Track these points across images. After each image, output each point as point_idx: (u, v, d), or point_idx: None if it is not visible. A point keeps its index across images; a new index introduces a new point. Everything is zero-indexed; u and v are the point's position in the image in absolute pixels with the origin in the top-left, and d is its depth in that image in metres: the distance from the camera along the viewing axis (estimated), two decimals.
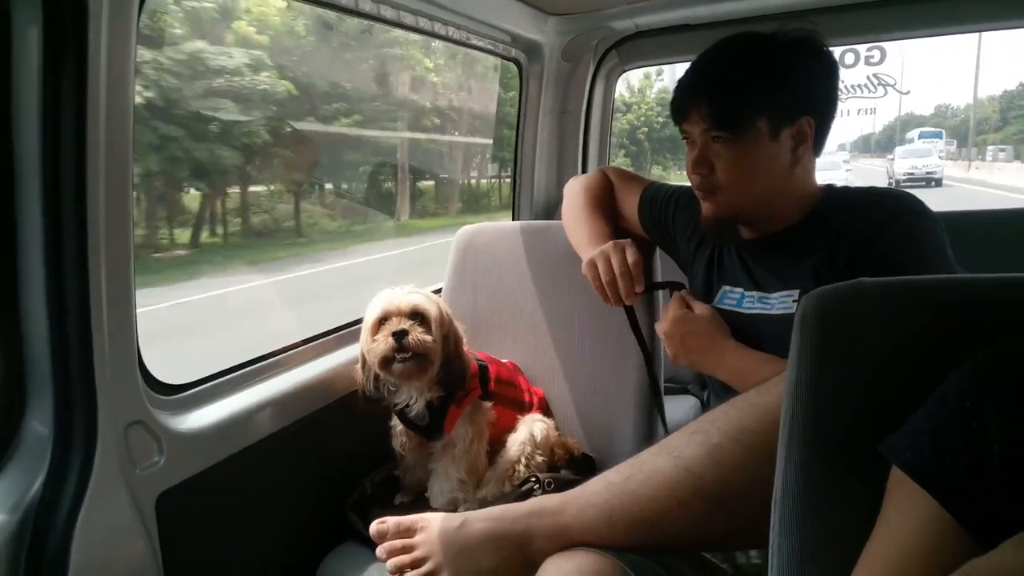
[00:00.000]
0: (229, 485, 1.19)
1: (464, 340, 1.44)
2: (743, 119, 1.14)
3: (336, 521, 1.42)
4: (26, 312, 0.93)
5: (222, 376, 1.27)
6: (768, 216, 1.24)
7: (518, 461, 1.44)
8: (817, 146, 1.22)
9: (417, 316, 1.36)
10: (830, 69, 1.20)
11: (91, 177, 0.92)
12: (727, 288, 1.31)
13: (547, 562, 0.96)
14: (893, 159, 19.47)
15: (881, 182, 15.24)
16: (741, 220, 1.25)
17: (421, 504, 1.46)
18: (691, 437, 0.93)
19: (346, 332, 1.65)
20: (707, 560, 1.04)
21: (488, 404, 1.47)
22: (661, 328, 1.32)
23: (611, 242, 1.38)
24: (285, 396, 1.36)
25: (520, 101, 2.29)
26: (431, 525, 1.02)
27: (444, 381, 1.39)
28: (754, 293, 1.26)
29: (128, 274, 1.01)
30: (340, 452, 1.51)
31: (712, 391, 1.39)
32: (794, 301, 1.17)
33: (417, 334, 1.34)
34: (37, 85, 0.88)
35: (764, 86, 1.15)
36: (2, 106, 0.88)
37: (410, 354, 1.33)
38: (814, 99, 1.19)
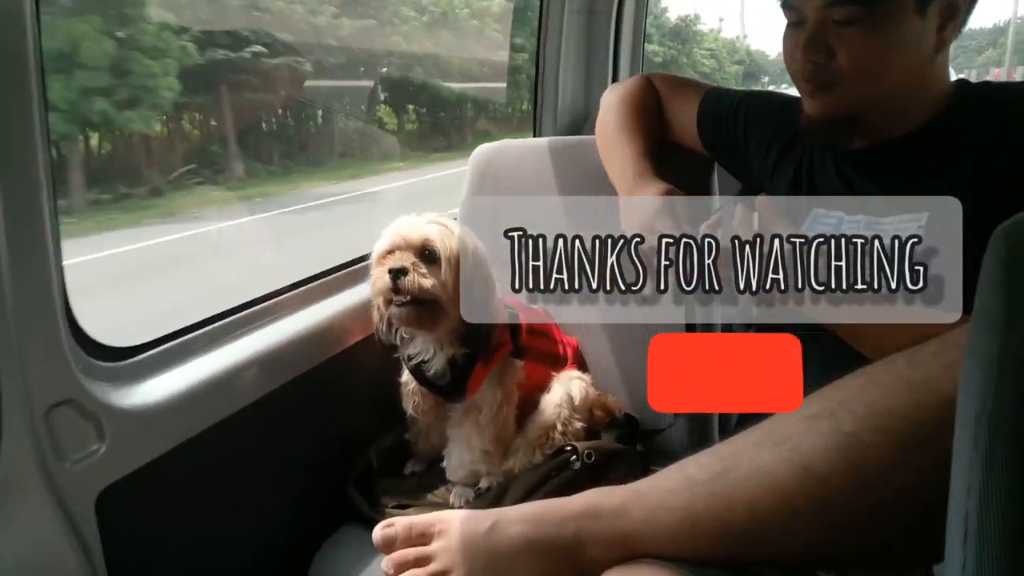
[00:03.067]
0: (197, 470, 0.95)
1: (497, 286, 1.18)
2: None
3: (336, 500, 1.19)
4: None
5: (186, 333, 1.02)
6: (891, 117, 0.97)
7: (553, 427, 1.20)
8: (960, 27, 0.93)
9: (428, 252, 1.10)
10: None
11: None
12: (820, 212, 1.04)
13: None
14: None
15: None
16: (858, 121, 0.98)
17: (435, 475, 1.24)
18: (810, 423, 0.68)
19: (349, 272, 1.39)
20: None
21: (519, 362, 1.21)
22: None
23: (653, 214, 1.08)
24: (268, 354, 1.10)
25: (541, 2, 1.96)
26: (452, 529, 0.79)
27: (466, 336, 1.13)
28: (859, 218, 0.99)
29: (39, 187, 0.74)
30: (339, 417, 1.27)
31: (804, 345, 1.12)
32: (920, 227, 0.91)
33: (417, 275, 1.08)
34: None
35: None
36: None
37: (408, 298, 1.08)
38: None
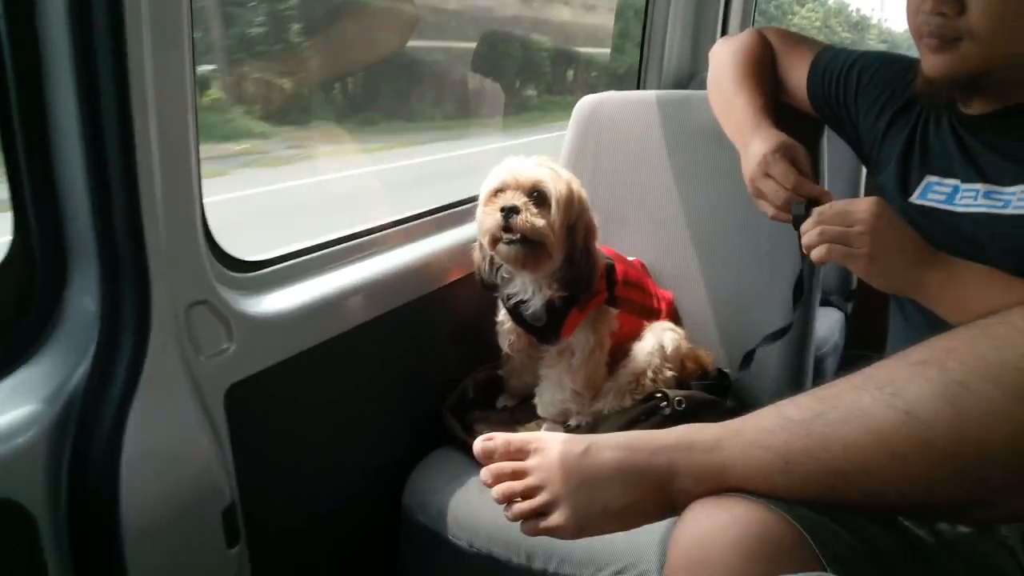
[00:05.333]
0: (310, 379, 1.03)
1: (598, 234, 1.20)
2: None
3: (431, 424, 1.26)
4: (61, 167, 0.75)
5: (305, 255, 1.09)
6: (1019, 81, 0.91)
7: (643, 373, 1.22)
8: None
9: (537, 194, 1.12)
10: None
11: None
12: (933, 179, 0.99)
13: (694, 507, 0.75)
14: None
15: None
16: (982, 84, 0.91)
17: (526, 410, 1.28)
18: (915, 369, 0.67)
19: (452, 213, 1.44)
20: (902, 524, 0.79)
21: (614, 311, 1.23)
22: (838, 211, 0.94)
23: (769, 152, 1.05)
24: (377, 282, 1.17)
25: None
26: (548, 448, 0.82)
27: (567, 280, 1.15)
28: (976, 186, 0.93)
29: (186, 122, 0.81)
30: (437, 348, 1.33)
31: (897, 306, 1.09)
32: None
33: (529, 215, 1.10)
34: None
35: None
36: None
37: (518, 236, 1.11)
38: None
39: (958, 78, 0.91)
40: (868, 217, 0.90)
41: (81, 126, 0.73)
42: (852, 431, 0.68)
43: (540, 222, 1.10)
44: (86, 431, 0.75)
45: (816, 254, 0.94)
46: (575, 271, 1.14)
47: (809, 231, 0.95)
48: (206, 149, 0.89)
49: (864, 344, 1.57)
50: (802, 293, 1.19)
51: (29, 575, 0.73)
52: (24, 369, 0.75)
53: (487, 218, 1.13)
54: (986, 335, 0.65)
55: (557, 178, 1.13)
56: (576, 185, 1.17)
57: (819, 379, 1.31)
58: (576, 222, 1.15)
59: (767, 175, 1.06)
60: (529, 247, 1.12)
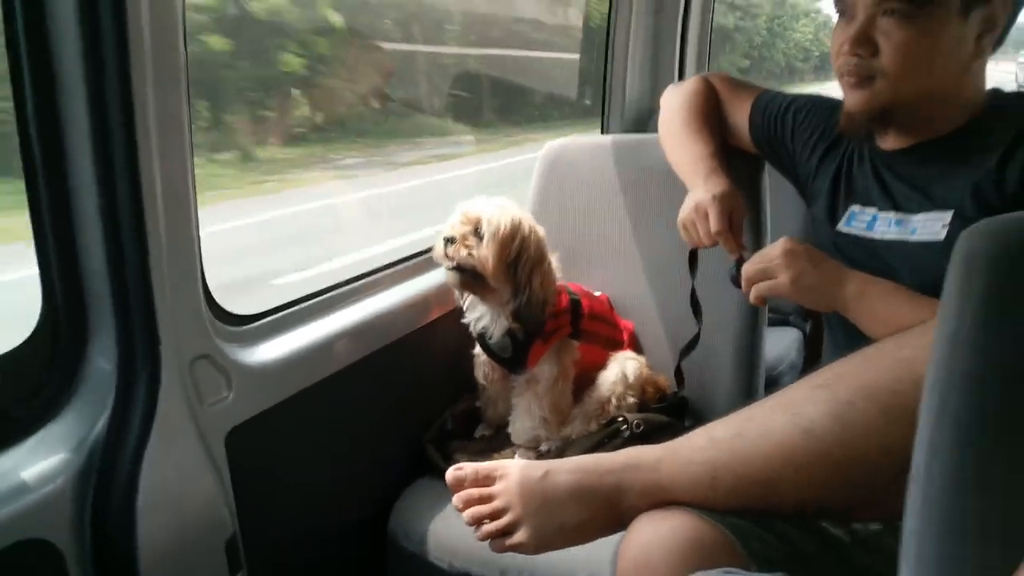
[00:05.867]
0: (302, 419, 1.14)
1: (554, 273, 1.32)
2: None
3: (415, 455, 1.37)
4: (83, 247, 0.87)
5: (294, 305, 1.21)
6: (926, 119, 1.04)
7: (608, 401, 1.34)
8: (999, 41, 1.01)
9: (478, 228, 1.26)
10: None
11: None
12: (856, 208, 1.12)
13: (639, 520, 0.87)
14: None
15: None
16: (894, 119, 1.05)
17: (502, 438, 1.39)
18: (814, 392, 0.79)
19: (428, 257, 1.55)
20: (819, 526, 0.91)
21: (575, 343, 1.35)
22: (759, 257, 1.10)
23: (695, 203, 1.21)
24: (362, 325, 1.28)
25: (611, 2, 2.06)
26: (511, 474, 0.93)
27: (515, 312, 1.28)
28: (891, 214, 1.06)
29: (188, 204, 0.93)
30: (420, 383, 1.44)
31: (828, 325, 1.22)
32: (944, 226, 0.98)
33: (463, 245, 1.24)
34: None
35: None
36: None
37: (455, 264, 1.25)
38: None
39: (873, 112, 1.04)
40: (781, 251, 1.04)
41: (99, 212, 0.85)
42: (763, 448, 0.80)
43: (464, 252, 1.24)
44: (106, 476, 0.86)
45: (752, 296, 1.08)
46: (522, 305, 1.27)
47: (744, 282, 1.09)
48: None
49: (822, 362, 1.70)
50: (698, 305, 1.34)
51: None
52: (53, 423, 0.86)
53: (436, 246, 1.29)
54: (868, 361, 0.78)
55: (501, 215, 1.26)
56: (527, 225, 1.29)
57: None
58: (519, 257, 1.26)
59: (703, 217, 1.19)
60: (468, 275, 1.26)
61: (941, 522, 0.59)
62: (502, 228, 1.24)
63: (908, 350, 0.75)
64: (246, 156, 3.41)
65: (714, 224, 1.17)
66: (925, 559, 0.60)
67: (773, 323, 2.07)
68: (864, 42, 0.99)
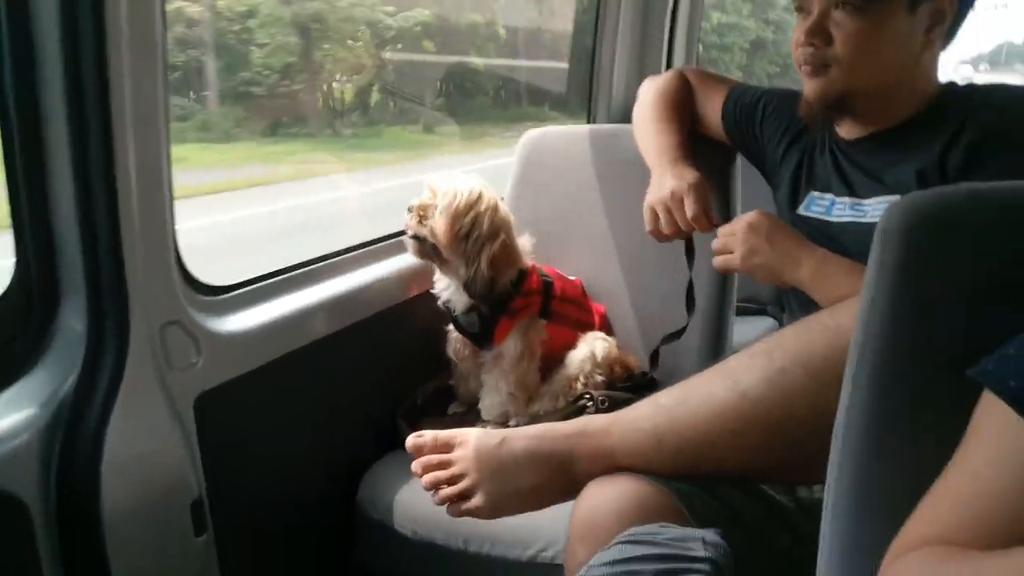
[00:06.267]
0: (273, 389, 1.17)
1: (512, 252, 1.35)
2: None
3: (386, 430, 1.40)
4: (54, 208, 0.90)
5: (269, 278, 1.24)
6: (879, 108, 1.09)
7: (576, 379, 1.37)
8: (949, 35, 1.05)
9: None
10: None
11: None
12: (815, 194, 1.17)
13: (589, 486, 0.90)
14: None
15: None
16: (849, 107, 1.09)
17: (474, 416, 1.42)
18: (752, 360, 0.83)
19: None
20: (765, 492, 0.95)
21: (542, 323, 1.39)
22: (727, 228, 1.15)
23: (670, 191, 1.24)
24: (340, 298, 1.32)
25: None
26: (468, 441, 0.96)
27: (465, 285, 1.31)
28: (845, 199, 1.11)
29: (161, 176, 0.96)
30: (393, 360, 1.47)
31: (788, 309, 1.26)
32: None
33: (418, 215, 1.31)
34: None
35: None
36: None
37: (411, 233, 1.32)
38: None
39: (828, 99, 1.08)
40: (743, 224, 1.10)
41: (73, 175, 0.88)
42: (703, 413, 0.83)
43: (413, 223, 1.31)
44: (73, 433, 0.89)
45: (716, 264, 1.15)
46: (470, 279, 1.30)
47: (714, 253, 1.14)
48: None
49: None
50: (693, 300, 1.36)
51: (24, 559, 0.86)
52: (23, 380, 0.89)
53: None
54: (802, 329, 0.82)
55: (457, 189, 1.29)
56: (487, 202, 1.31)
57: None
58: (471, 232, 1.29)
59: (678, 204, 1.22)
60: (426, 245, 1.31)
61: (851, 480, 0.63)
62: (456, 202, 1.28)
63: (840, 318, 0.78)
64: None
65: (690, 210, 1.21)
66: (840, 515, 0.64)
67: (750, 312, 2.11)
68: (819, 32, 1.04)
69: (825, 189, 1.15)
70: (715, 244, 1.15)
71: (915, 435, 0.61)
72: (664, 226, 1.24)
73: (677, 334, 1.36)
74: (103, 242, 0.90)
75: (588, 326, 1.47)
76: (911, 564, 0.51)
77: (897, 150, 1.06)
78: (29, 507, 0.86)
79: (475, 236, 1.29)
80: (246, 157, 4.11)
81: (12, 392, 0.88)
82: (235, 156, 4.03)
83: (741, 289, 1.55)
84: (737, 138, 1.39)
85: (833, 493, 0.64)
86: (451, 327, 1.43)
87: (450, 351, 1.44)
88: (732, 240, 1.10)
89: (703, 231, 1.22)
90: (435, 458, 0.96)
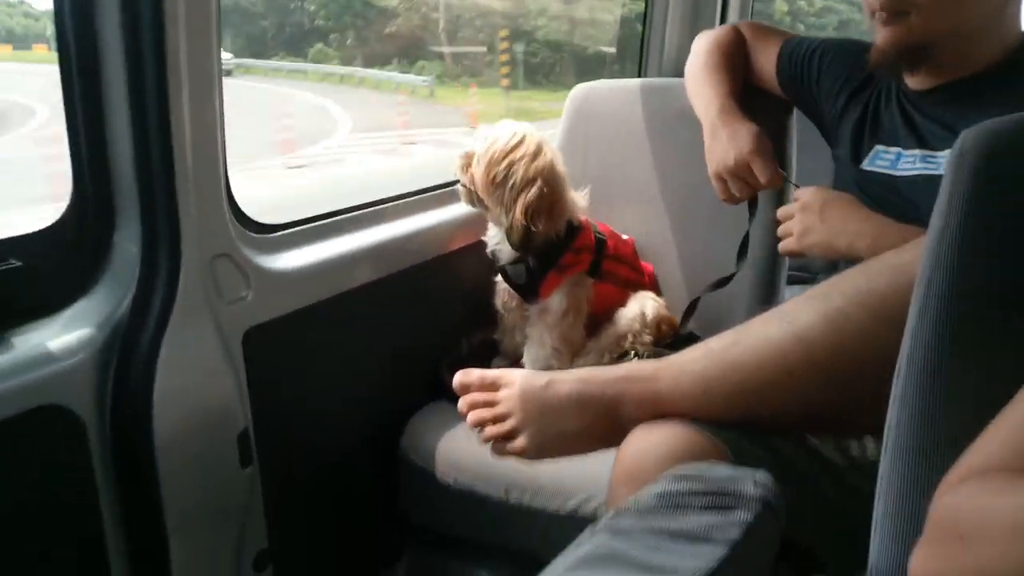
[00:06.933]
0: (319, 330, 1.18)
1: (549, 202, 1.30)
2: None
3: (429, 378, 1.40)
4: (111, 133, 0.91)
5: (318, 220, 1.24)
6: (957, 57, 1.02)
7: (624, 337, 1.35)
8: None
9: None
10: None
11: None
12: (881, 148, 1.11)
13: (635, 431, 0.88)
14: None
15: None
16: (926, 55, 1.03)
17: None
18: (808, 302, 0.79)
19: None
20: (814, 445, 0.92)
21: (590, 280, 1.37)
22: (784, 211, 1.15)
23: (734, 159, 1.22)
24: (389, 244, 1.32)
25: None
26: (515, 381, 0.95)
27: (507, 233, 1.30)
28: (916, 151, 1.05)
29: (213, 108, 0.96)
30: (441, 309, 1.47)
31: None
32: None
33: (462, 162, 1.33)
34: None
35: None
36: None
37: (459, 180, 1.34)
38: None
39: (906, 48, 1.02)
40: (796, 207, 1.10)
41: (130, 110, 0.89)
42: (757, 354, 0.81)
43: (455, 168, 1.35)
44: (127, 356, 0.91)
45: (780, 250, 1.15)
46: (508, 228, 1.29)
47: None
48: None
49: None
50: (746, 250, 1.32)
51: (79, 473, 0.89)
52: (80, 301, 0.91)
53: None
54: (864, 269, 0.78)
55: (497, 136, 1.29)
56: (527, 150, 1.27)
57: None
58: (505, 179, 1.26)
59: (747, 171, 1.20)
60: (468, 190, 1.33)
61: (914, 417, 0.60)
62: (493, 148, 1.27)
63: (905, 255, 0.74)
64: None
65: (763, 175, 1.19)
66: (900, 453, 0.61)
67: (801, 281, 2.05)
68: None
69: (892, 142, 1.10)
70: (779, 231, 1.14)
71: (980, 369, 0.58)
72: (737, 193, 1.23)
73: (724, 281, 1.33)
74: (157, 173, 0.91)
75: (639, 285, 1.45)
76: (970, 491, 0.48)
77: (974, 101, 1.00)
78: (86, 423, 0.88)
79: (511, 184, 1.27)
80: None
81: (70, 312, 0.90)
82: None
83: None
84: (792, 91, 1.34)
85: (894, 430, 0.61)
86: (499, 278, 1.42)
87: (498, 302, 1.43)
88: (790, 224, 1.10)
89: (777, 188, 1.22)
90: (481, 396, 0.95)
